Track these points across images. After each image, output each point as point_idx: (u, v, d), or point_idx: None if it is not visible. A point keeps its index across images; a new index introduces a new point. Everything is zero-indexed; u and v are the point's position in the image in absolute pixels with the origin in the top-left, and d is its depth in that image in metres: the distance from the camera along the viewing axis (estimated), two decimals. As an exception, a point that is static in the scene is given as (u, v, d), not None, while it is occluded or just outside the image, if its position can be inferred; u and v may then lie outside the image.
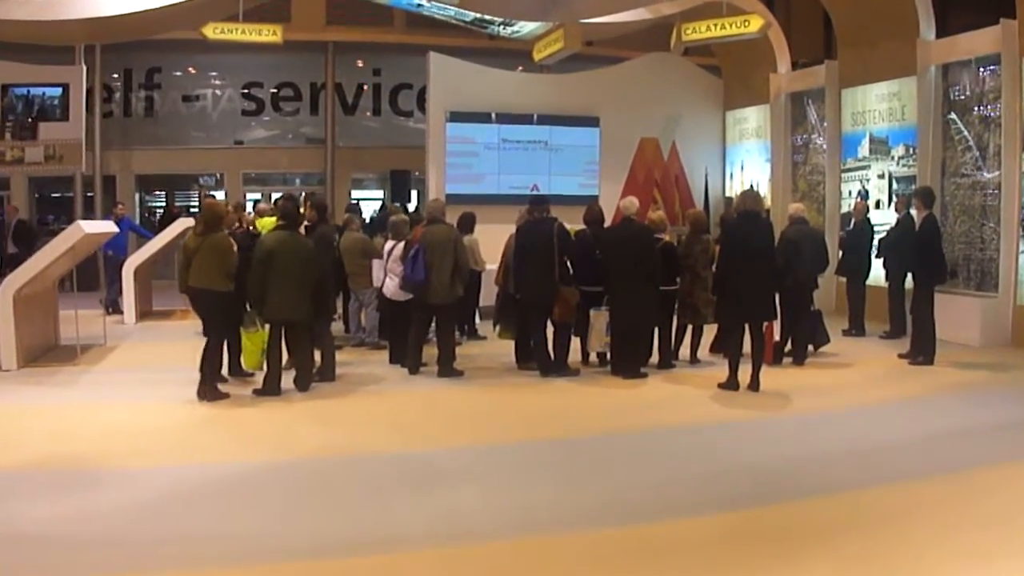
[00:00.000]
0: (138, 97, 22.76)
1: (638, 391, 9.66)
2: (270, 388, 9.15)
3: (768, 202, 16.43)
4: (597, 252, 10.23)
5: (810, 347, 11.33)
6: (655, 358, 10.66)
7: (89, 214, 20.54)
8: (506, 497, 6.27)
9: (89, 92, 20.81)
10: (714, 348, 11.30)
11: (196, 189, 23.71)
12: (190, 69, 23.01)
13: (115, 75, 22.40)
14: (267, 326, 9.35)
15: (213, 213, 9.15)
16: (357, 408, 8.89)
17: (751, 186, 17.77)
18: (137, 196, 23.25)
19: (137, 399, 9.10)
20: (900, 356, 11.28)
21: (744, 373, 9.40)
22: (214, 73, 23.18)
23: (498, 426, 8.29)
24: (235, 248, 9.25)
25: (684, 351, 11.07)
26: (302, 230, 10.22)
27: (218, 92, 23.20)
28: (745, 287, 9.26)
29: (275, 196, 17.37)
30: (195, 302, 9.20)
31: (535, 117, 17.80)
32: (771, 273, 9.50)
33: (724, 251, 9.57)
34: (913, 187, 13.74)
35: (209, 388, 8.97)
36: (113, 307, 15.27)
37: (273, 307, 9.15)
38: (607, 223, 11.21)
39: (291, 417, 8.47)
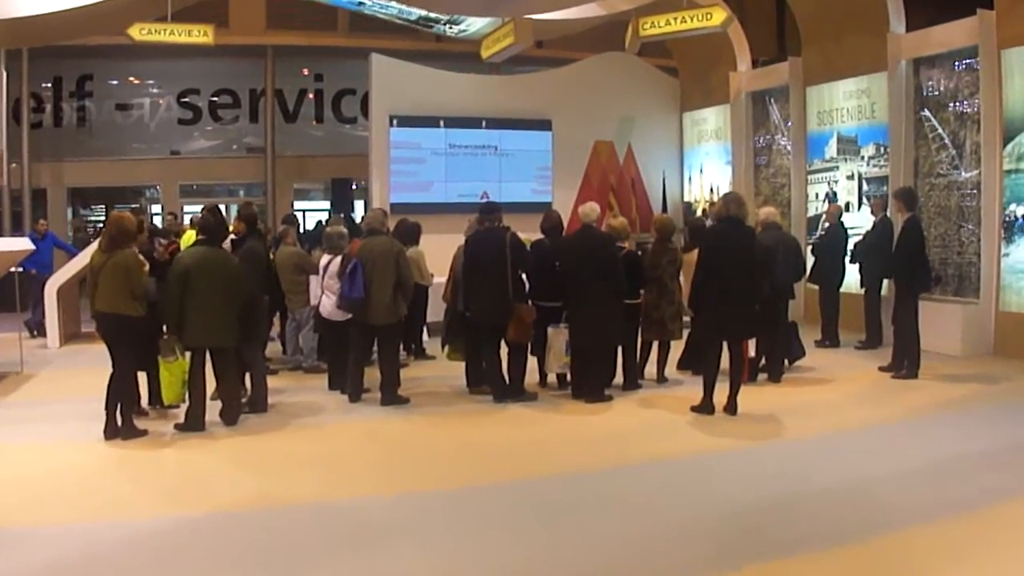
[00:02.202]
0: (69, 106, 21.59)
1: (603, 417, 8.73)
2: (192, 423, 8.14)
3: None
4: (556, 264, 9.31)
5: (784, 361, 10.51)
6: (619, 378, 9.78)
7: (17, 231, 19.34)
8: (452, 555, 5.32)
9: (16, 101, 19.73)
10: (682, 365, 10.46)
11: (140, 203, 22.62)
12: (123, 77, 21.94)
13: (45, 84, 21.25)
14: (188, 354, 8.31)
15: (119, 227, 8.02)
16: (288, 446, 7.85)
17: (713, 188, 17.10)
18: (70, 211, 22.17)
19: (45, 437, 8.04)
20: (881, 369, 10.59)
21: (720, 393, 8.54)
22: (148, 80, 22.17)
23: (446, 466, 7.29)
24: (145, 267, 8.16)
25: (650, 369, 10.18)
26: (228, 244, 9.27)
27: (152, 100, 22.15)
28: (726, 301, 8.37)
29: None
30: (100, 327, 8.14)
31: (483, 123, 16.97)
32: (754, 286, 8.57)
33: (703, 261, 8.61)
34: (885, 188, 13.21)
35: (124, 425, 7.91)
36: (38, 329, 14.16)
37: (193, 332, 8.13)
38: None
39: (214, 459, 7.44)
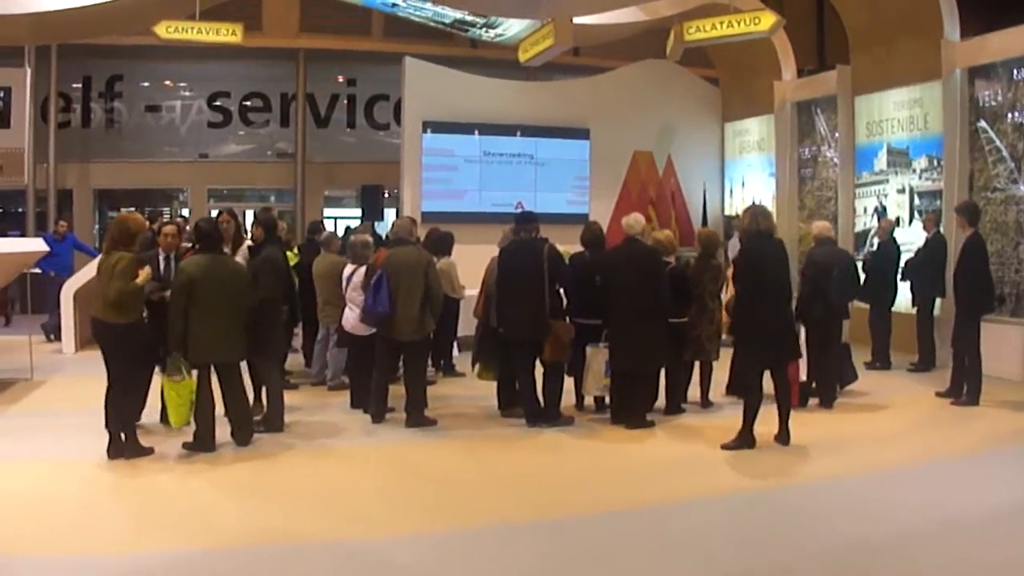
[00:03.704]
0: (99, 107, 21.24)
1: (646, 446, 8.14)
2: (201, 443, 7.63)
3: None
4: (596, 278, 8.75)
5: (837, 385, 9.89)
6: (661, 401, 9.20)
7: (41, 231, 19.04)
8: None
9: (44, 100, 19.51)
10: (730, 390, 9.86)
11: (172, 205, 22.24)
12: (153, 78, 21.57)
13: (75, 84, 20.91)
14: (195, 371, 7.74)
15: (121, 228, 7.58)
16: (302, 472, 7.31)
17: (754, 201, 16.49)
18: (97, 212, 21.76)
19: (43, 454, 7.59)
20: (938, 394, 9.98)
21: (768, 422, 7.90)
22: (177, 82, 21.77)
23: (475, 499, 6.73)
24: (144, 272, 7.54)
25: (692, 390, 9.60)
26: (246, 251, 8.82)
27: (182, 102, 21.75)
28: (765, 325, 7.76)
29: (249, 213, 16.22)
30: (93, 334, 7.73)
31: (519, 131, 16.47)
32: (790, 304, 8.01)
33: (743, 281, 7.96)
34: (938, 202, 12.57)
35: (128, 442, 7.43)
36: (56, 333, 13.79)
37: (199, 347, 7.61)
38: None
39: (220, 485, 6.92)
